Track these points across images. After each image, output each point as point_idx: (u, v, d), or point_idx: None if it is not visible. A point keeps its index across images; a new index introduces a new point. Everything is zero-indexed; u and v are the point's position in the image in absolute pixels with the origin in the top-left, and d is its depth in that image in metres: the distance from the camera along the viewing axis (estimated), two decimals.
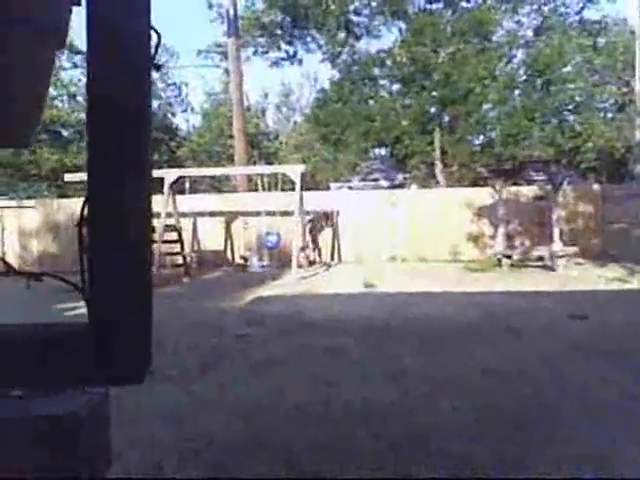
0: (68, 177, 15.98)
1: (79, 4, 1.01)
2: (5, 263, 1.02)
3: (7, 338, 0.90)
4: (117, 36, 0.88)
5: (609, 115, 20.60)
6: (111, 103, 0.89)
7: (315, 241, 15.81)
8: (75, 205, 16.73)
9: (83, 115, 23.13)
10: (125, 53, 0.88)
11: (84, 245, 0.93)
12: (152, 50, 0.93)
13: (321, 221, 15.90)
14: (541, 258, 13.35)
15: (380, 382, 4.82)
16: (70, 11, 1.03)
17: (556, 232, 13.54)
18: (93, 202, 0.91)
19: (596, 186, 16.33)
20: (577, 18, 20.65)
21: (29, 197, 19.38)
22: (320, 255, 16.03)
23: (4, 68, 0.86)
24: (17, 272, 1.11)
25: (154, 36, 0.93)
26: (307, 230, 15.46)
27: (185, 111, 31.06)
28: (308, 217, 15.49)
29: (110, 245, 0.92)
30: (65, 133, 22.53)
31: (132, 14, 0.89)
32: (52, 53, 1.05)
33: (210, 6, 23.19)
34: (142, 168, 0.93)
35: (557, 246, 13.37)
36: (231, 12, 19.50)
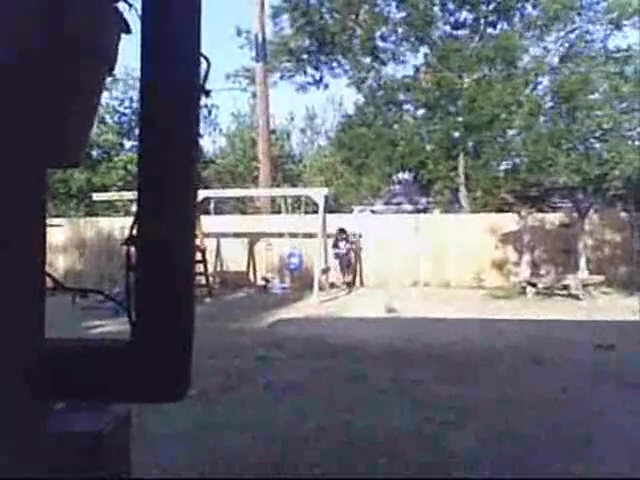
0: (96, 196, 16.30)
1: (129, 32, 1.06)
2: (53, 279, 1.04)
3: (51, 351, 0.93)
4: (168, 62, 0.92)
5: (637, 143, 20.30)
6: (161, 127, 0.93)
7: (346, 264, 15.49)
8: (103, 224, 17.01)
9: (111, 136, 23.63)
10: (176, 79, 0.93)
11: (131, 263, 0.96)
12: (202, 76, 0.98)
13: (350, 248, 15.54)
14: (566, 287, 13.10)
15: (401, 409, 4.76)
16: (119, 37, 1.07)
17: (582, 260, 13.32)
18: (141, 221, 0.95)
19: (623, 214, 16.07)
20: (603, 45, 20.57)
21: (57, 215, 19.74)
22: (354, 279, 15.75)
23: (57, 91, 0.90)
24: (65, 288, 1.14)
25: (204, 63, 0.98)
26: (336, 253, 15.23)
27: (214, 131, 31.40)
28: (340, 243, 15.23)
29: (155, 265, 0.95)
30: (94, 153, 22.99)
31: (183, 41, 0.93)
32: (102, 77, 1.10)
33: (239, 33, 23.57)
34: (188, 190, 0.97)
35: (583, 275, 13.14)
36: (259, 38, 19.85)
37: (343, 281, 15.38)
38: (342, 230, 15.27)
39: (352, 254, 15.58)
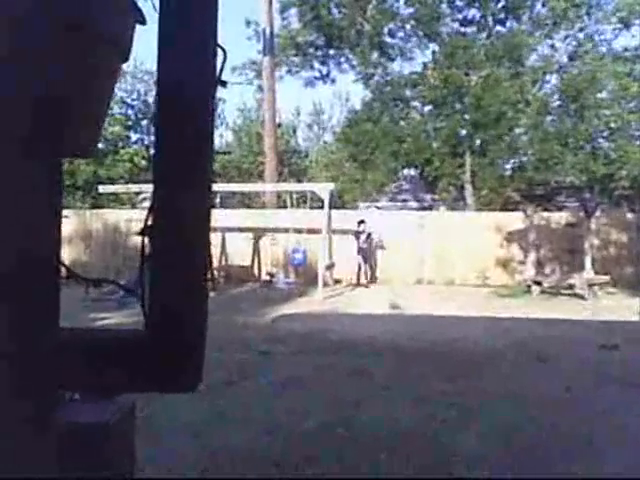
0: (102, 189, 16.32)
1: (144, 23, 1.06)
2: (67, 270, 1.05)
3: (64, 342, 0.93)
4: (185, 54, 0.93)
5: None
6: (177, 118, 0.94)
7: (367, 261, 15.34)
8: (108, 216, 17.03)
9: (118, 129, 23.66)
10: (193, 70, 0.93)
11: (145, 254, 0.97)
12: (218, 67, 0.98)
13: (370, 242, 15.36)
14: (572, 286, 13.07)
15: (404, 406, 4.76)
16: (134, 27, 1.08)
17: (588, 260, 13.27)
18: (157, 212, 0.95)
19: (630, 214, 15.99)
20: (612, 45, 20.48)
21: (64, 207, 19.81)
22: (373, 276, 15.67)
23: (74, 80, 0.90)
24: (78, 277, 1.14)
25: (220, 54, 0.98)
26: (358, 248, 15.09)
27: (220, 125, 31.33)
28: (362, 235, 15.16)
29: (170, 256, 0.95)
30: (100, 145, 23.06)
31: (199, 32, 0.94)
32: (117, 66, 1.10)
33: (248, 24, 23.49)
34: (203, 182, 0.97)
35: (589, 274, 13.09)
36: (267, 31, 19.78)
37: (366, 278, 15.20)
38: (362, 221, 15.19)
39: (371, 247, 15.49)
